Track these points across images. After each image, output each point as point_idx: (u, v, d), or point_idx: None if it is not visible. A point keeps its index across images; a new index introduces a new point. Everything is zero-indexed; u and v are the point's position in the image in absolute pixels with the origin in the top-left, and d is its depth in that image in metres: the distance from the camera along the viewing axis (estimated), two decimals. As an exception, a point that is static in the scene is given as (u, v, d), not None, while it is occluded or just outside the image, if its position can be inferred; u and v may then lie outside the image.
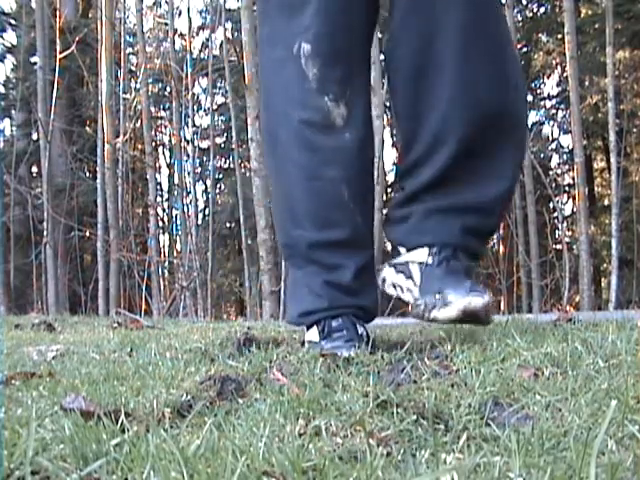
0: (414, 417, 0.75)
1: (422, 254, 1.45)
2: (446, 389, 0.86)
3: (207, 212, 11.29)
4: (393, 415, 0.76)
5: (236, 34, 11.43)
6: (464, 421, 0.74)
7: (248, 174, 8.41)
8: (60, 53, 8.52)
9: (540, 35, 12.73)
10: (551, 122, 13.73)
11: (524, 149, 1.62)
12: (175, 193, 11.17)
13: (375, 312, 1.57)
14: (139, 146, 11.67)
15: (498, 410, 0.79)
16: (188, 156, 10.29)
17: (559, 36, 10.56)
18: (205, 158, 12.20)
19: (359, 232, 1.51)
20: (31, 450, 0.60)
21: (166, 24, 11.39)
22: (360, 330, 1.45)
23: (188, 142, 10.49)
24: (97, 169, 9.14)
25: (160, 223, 10.93)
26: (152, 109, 11.26)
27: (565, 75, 11.26)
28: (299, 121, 1.46)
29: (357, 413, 0.77)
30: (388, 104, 7.93)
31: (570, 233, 12.20)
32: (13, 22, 12.02)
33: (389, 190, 10.08)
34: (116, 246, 7.81)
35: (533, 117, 13.11)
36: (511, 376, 0.96)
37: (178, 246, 10.74)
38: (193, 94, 10.73)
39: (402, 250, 1.54)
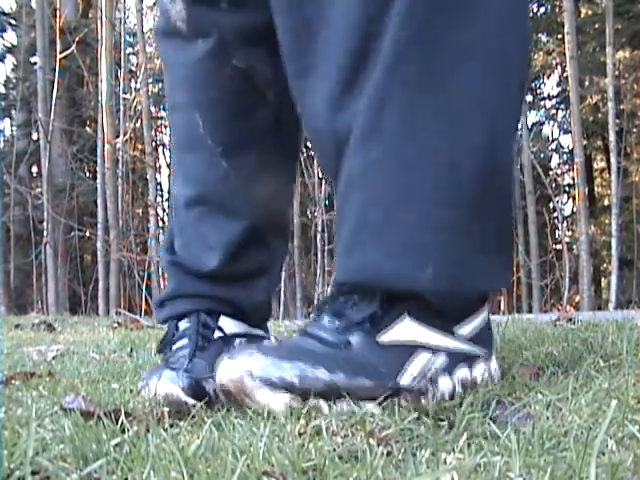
0: (415, 415, 0.75)
1: None
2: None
3: (207, 212, 11.28)
4: (394, 414, 0.76)
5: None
6: (467, 419, 0.74)
7: (248, 174, 8.39)
8: (60, 53, 8.53)
9: (540, 35, 12.73)
10: (551, 122, 13.74)
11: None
12: (175, 193, 11.16)
13: (259, 311, 1.14)
14: (139, 146, 11.68)
15: (500, 408, 0.79)
16: (188, 156, 10.29)
17: (559, 36, 10.56)
18: (205, 158, 12.19)
19: (223, 189, 1.05)
20: (31, 450, 0.60)
21: (166, 24, 11.39)
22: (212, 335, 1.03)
23: (188, 142, 10.49)
24: (97, 169, 9.14)
25: (160, 223, 10.93)
26: (152, 109, 11.26)
27: (565, 75, 11.27)
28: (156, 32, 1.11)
29: (357, 413, 0.77)
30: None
31: (570, 233, 12.21)
32: (13, 22, 12.03)
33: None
34: (116, 246, 7.81)
35: (533, 117, 13.12)
36: (513, 375, 0.96)
37: (178, 246, 10.73)
38: (193, 94, 10.73)
39: None
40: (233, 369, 0.79)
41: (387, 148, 0.84)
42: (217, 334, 1.04)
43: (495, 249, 0.90)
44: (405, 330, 0.86)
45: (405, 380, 0.83)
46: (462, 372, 0.88)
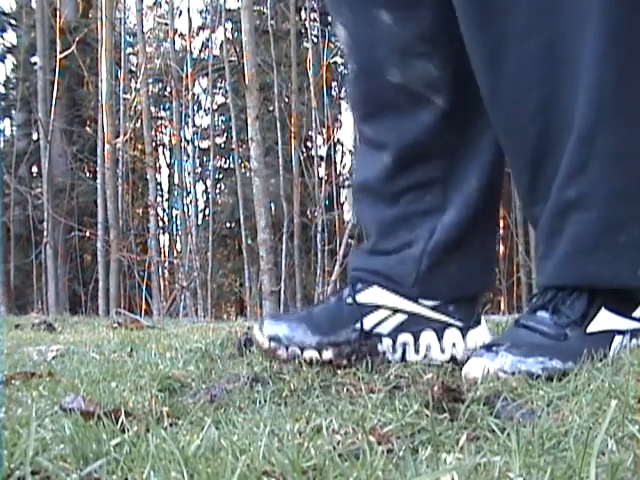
0: (416, 407, 0.75)
1: None
2: (450, 384, 0.86)
3: (207, 212, 11.30)
4: (396, 408, 0.76)
5: (236, 34, 11.43)
6: (469, 412, 0.74)
7: (248, 174, 8.42)
8: (60, 53, 8.53)
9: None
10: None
11: None
12: (175, 193, 11.18)
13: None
14: (139, 146, 11.68)
15: (502, 404, 0.80)
16: (188, 156, 10.31)
17: (559, 36, 10.55)
18: (205, 158, 12.20)
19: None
20: (31, 450, 0.60)
21: (166, 24, 11.40)
22: None
23: (188, 142, 10.51)
24: (97, 169, 9.15)
25: (160, 223, 10.93)
26: (152, 109, 11.26)
27: (565, 75, 11.24)
28: None
29: (358, 410, 0.77)
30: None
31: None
32: (13, 22, 12.03)
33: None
34: (116, 246, 7.82)
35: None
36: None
37: (178, 246, 10.76)
38: (193, 94, 10.75)
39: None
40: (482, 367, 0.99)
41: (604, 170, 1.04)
42: None
43: None
44: (604, 320, 1.06)
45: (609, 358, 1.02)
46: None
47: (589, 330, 1.05)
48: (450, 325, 1.17)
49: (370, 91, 1.21)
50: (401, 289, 1.17)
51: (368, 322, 1.15)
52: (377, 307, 1.16)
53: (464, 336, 1.17)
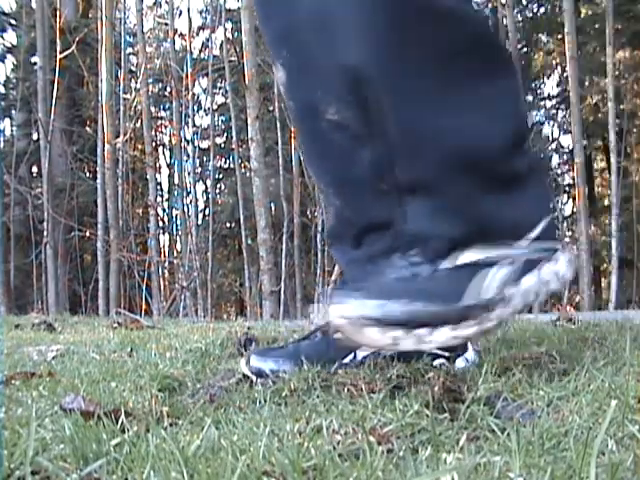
0: (417, 407, 0.75)
1: None
2: (450, 384, 0.86)
3: (207, 212, 11.30)
4: (396, 408, 0.76)
5: (236, 34, 11.44)
6: (469, 412, 0.74)
7: (248, 174, 8.42)
8: (60, 53, 8.53)
9: (540, 35, 12.73)
10: (551, 122, 13.75)
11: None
12: (175, 193, 11.18)
13: None
14: (139, 146, 11.68)
15: (503, 404, 0.80)
16: (188, 156, 10.31)
17: (559, 36, 10.57)
18: (205, 158, 12.21)
19: None
20: (31, 450, 0.60)
21: (166, 24, 11.41)
22: None
23: (188, 142, 10.51)
24: (97, 169, 9.15)
25: (160, 223, 10.93)
26: (152, 109, 11.26)
27: (565, 75, 11.26)
28: None
29: (358, 410, 0.77)
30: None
31: (570, 233, 12.21)
32: (13, 22, 12.04)
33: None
34: (116, 246, 7.81)
35: (533, 117, 13.11)
36: (513, 372, 0.96)
37: (178, 246, 10.75)
38: (193, 94, 10.75)
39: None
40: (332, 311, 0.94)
41: None
42: None
43: None
44: (468, 254, 0.96)
45: (471, 294, 0.93)
46: (547, 270, 0.97)
47: (442, 267, 0.96)
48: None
49: (312, 131, 1.16)
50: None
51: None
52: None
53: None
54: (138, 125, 10.03)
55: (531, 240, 0.98)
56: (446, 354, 1.07)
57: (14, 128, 12.40)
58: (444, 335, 0.90)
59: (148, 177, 9.49)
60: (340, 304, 0.93)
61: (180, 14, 12.03)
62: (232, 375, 1.07)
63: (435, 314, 0.90)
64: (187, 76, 9.48)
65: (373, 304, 0.90)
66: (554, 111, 13.63)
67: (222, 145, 13.77)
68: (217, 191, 13.47)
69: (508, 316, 0.92)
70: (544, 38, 12.85)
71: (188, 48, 10.07)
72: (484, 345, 1.26)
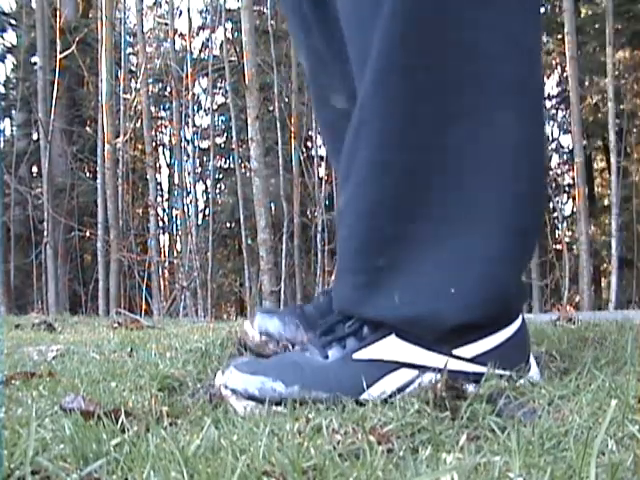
0: (417, 406, 0.75)
1: None
2: (450, 382, 0.86)
3: (207, 212, 11.30)
4: (396, 407, 0.76)
5: (236, 34, 11.44)
6: (470, 410, 0.74)
7: (248, 174, 8.41)
8: (60, 53, 8.53)
9: (540, 35, 12.71)
10: (551, 122, 13.74)
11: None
12: (175, 193, 11.18)
13: None
14: (139, 146, 11.68)
15: (504, 402, 0.80)
16: (188, 156, 10.30)
17: (559, 36, 10.56)
18: (205, 158, 12.21)
19: None
20: (31, 450, 0.60)
21: (166, 24, 11.40)
22: None
23: (188, 142, 10.50)
24: (97, 169, 9.14)
25: (160, 223, 10.93)
26: (152, 109, 11.26)
27: (565, 75, 11.27)
28: None
29: (358, 410, 0.77)
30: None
31: (570, 233, 12.21)
32: (13, 22, 12.03)
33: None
34: (116, 246, 7.81)
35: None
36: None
37: (178, 246, 10.75)
38: (193, 94, 10.75)
39: None
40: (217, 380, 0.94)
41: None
42: None
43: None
44: (386, 348, 0.88)
45: (374, 394, 0.86)
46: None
47: (356, 356, 0.89)
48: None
49: (324, 121, 1.20)
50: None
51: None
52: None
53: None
54: (138, 125, 10.02)
55: (465, 359, 0.88)
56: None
57: (14, 128, 12.40)
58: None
59: (148, 177, 9.48)
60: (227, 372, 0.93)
61: (180, 14, 12.04)
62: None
63: (320, 400, 0.85)
64: (187, 76, 9.48)
65: (255, 379, 0.89)
66: (554, 111, 13.64)
67: (222, 145, 13.76)
68: (217, 191, 13.47)
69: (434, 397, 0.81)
70: (544, 38, 12.85)
71: (188, 48, 10.07)
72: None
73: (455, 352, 0.88)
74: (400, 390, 0.86)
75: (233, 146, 9.53)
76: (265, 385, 0.87)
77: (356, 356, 0.89)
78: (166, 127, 13.03)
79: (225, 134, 13.86)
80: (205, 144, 12.53)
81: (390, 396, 0.85)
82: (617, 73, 9.74)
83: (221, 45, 10.94)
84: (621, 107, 10.24)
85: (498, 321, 0.91)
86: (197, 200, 10.72)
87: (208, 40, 12.60)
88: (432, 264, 0.88)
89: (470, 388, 0.85)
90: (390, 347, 0.88)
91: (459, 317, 0.87)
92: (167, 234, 11.69)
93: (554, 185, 12.13)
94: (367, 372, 0.87)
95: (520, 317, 0.93)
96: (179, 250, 10.33)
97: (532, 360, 0.94)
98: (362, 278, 0.90)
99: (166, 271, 9.60)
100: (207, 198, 12.18)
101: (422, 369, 0.87)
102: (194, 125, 11.13)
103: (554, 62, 13.02)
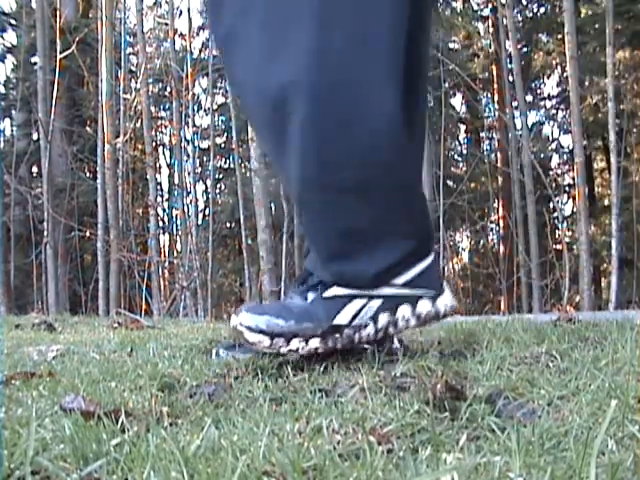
0: (417, 406, 0.75)
1: None
2: (450, 381, 0.86)
3: (207, 212, 11.30)
4: (396, 407, 0.76)
5: (236, 34, 11.39)
6: (470, 411, 0.74)
7: (248, 174, 8.41)
8: (60, 53, 8.52)
9: (540, 35, 12.73)
10: (551, 122, 13.75)
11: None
12: (175, 193, 11.17)
13: None
14: (139, 146, 11.68)
15: (504, 402, 0.80)
16: (188, 156, 10.29)
17: (559, 36, 10.57)
18: (205, 158, 12.21)
19: None
20: (31, 450, 0.60)
21: (166, 24, 11.40)
22: None
23: (188, 142, 10.50)
24: (97, 169, 9.14)
25: (160, 223, 10.93)
26: (152, 109, 11.26)
27: (565, 75, 11.27)
28: None
29: (358, 410, 0.77)
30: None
31: (570, 233, 12.21)
32: (13, 22, 12.03)
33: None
34: (116, 246, 7.81)
35: (533, 117, 13.13)
36: (514, 371, 0.96)
37: (178, 246, 10.75)
38: (193, 94, 10.74)
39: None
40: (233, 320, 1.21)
41: None
42: None
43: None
44: (341, 288, 1.21)
45: (342, 320, 1.19)
46: (404, 309, 1.21)
47: (324, 295, 1.21)
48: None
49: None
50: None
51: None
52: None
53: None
54: (138, 125, 10.02)
55: (399, 285, 1.20)
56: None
57: (14, 128, 12.40)
58: (295, 345, 1.16)
59: (148, 177, 9.48)
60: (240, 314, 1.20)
61: (180, 14, 12.05)
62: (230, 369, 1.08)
63: (308, 329, 1.17)
64: (187, 76, 9.48)
65: (262, 318, 1.18)
66: (554, 111, 13.64)
67: (222, 145, 13.77)
68: (217, 191, 13.47)
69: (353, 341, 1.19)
70: (544, 38, 12.85)
71: (188, 48, 10.06)
72: (484, 345, 1.26)
73: (391, 282, 1.20)
74: (357, 313, 1.19)
75: (233, 146, 9.53)
76: (270, 322, 1.17)
77: (324, 295, 1.21)
78: (166, 127, 13.03)
79: (225, 134, 13.86)
80: (205, 144, 12.53)
81: (353, 318, 1.18)
82: (617, 73, 9.74)
83: (221, 45, 10.92)
84: (621, 107, 10.24)
85: (413, 255, 1.22)
86: (197, 200, 10.72)
87: (208, 40, 12.60)
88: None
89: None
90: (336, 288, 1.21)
91: (376, 266, 1.19)
92: (167, 234, 11.70)
93: (554, 185, 12.13)
94: (333, 305, 1.20)
95: (432, 253, 1.25)
96: (179, 250, 10.33)
97: (445, 285, 1.26)
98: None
99: (166, 271, 9.60)
100: (207, 198, 12.18)
101: (369, 298, 1.20)
102: (194, 125, 11.13)
103: (554, 62, 13.02)
